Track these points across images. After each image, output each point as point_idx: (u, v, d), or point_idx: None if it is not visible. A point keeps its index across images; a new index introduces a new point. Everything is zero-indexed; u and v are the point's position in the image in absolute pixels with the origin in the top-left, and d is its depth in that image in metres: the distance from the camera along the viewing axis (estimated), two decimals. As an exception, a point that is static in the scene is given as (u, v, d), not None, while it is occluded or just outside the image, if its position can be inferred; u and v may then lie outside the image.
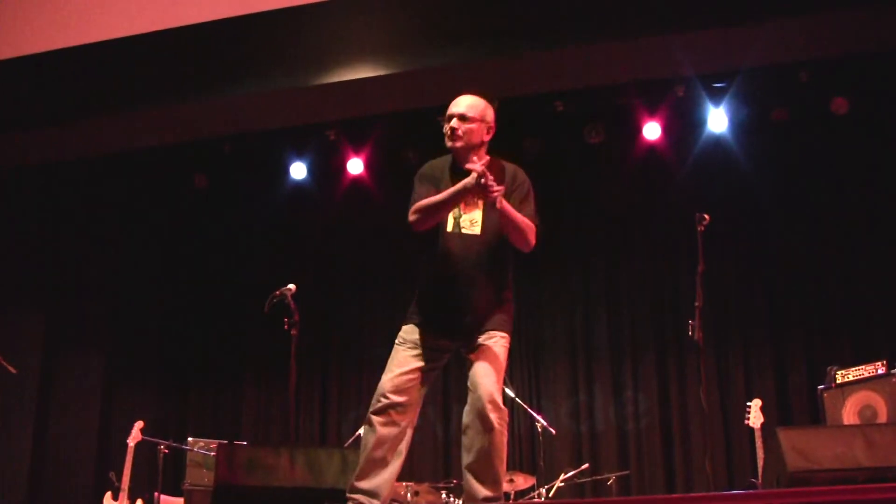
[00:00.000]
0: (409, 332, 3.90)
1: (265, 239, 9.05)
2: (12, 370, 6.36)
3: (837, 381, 5.80)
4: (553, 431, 7.09)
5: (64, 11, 6.90)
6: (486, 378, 3.74)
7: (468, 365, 3.83)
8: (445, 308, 3.85)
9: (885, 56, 6.70)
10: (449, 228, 3.87)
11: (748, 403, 6.16)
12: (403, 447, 3.83)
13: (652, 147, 8.02)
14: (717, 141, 7.87)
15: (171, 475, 7.49)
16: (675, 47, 6.35)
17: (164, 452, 6.84)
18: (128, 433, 7.12)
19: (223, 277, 9.09)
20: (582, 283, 8.39)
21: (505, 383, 6.98)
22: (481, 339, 3.82)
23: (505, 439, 3.75)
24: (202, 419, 8.85)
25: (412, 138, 8.13)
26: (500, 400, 3.76)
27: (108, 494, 7.02)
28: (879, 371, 5.65)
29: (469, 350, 3.85)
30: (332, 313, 8.83)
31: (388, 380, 3.83)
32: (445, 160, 4.02)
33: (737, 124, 7.80)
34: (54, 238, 8.36)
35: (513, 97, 7.46)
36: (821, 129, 7.80)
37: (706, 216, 5.17)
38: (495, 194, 3.65)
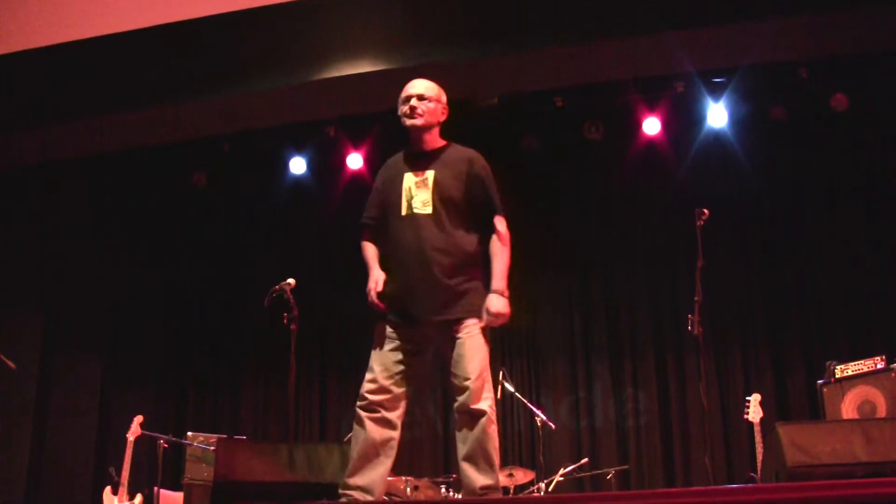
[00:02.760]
0: (382, 327, 3.92)
1: (265, 234, 9.04)
2: (11, 366, 6.36)
3: (836, 376, 5.80)
4: (552, 426, 7.10)
5: (61, 8, 6.89)
6: (470, 368, 3.77)
7: (450, 358, 3.83)
8: (410, 294, 3.86)
9: (884, 54, 6.70)
10: (403, 212, 3.93)
11: (747, 398, 6.17)
12: (395, 442, 3.85)
13: (651, 143, 8.02)
14: (716, 137, 7.87)
15: (171, 470, 7.50)
16: (674, 43, 6.35)
17: (164, 447, 6.84)
18: (126, 428, 7.12)
19: (222, 273, 9.09)
20: (581, 278, 8.39)
21: (504, 378, 7.08)
22: (458, 333, 3.83)
23: (496, 427, 3.78)
24: (201, 414, 8.85)
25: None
26: (487, 388, 3.78)
27: (108, 489, 7.02)
28: (878, 366, 5.65)
29: (447, 342, 3.85)
30: (331, 308, 8.82)
31: (370, 376, 3.85)
32: (399, 156, 4.11)
33: (736, 120, 7.80)
34: (53, 237, 8.36)
35: (512, 93, 7.50)
36: (820, 125, 7.81)
37: (706, 211, 5.18)
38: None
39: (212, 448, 6.32)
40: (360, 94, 6.99)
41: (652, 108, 7.84)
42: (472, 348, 3.81)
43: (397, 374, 3.86)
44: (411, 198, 3.93)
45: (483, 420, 3.73)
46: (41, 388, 8.05)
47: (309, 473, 4.18)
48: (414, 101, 4.00)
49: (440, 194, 3.91)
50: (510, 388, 7.14)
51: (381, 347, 3.89)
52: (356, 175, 8.48)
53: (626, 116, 7.92)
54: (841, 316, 7.64)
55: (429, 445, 8.27)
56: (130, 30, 6.69)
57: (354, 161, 8.36)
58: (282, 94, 6.99)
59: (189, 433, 6.85)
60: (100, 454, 8.25)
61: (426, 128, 4.02)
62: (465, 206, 3.95)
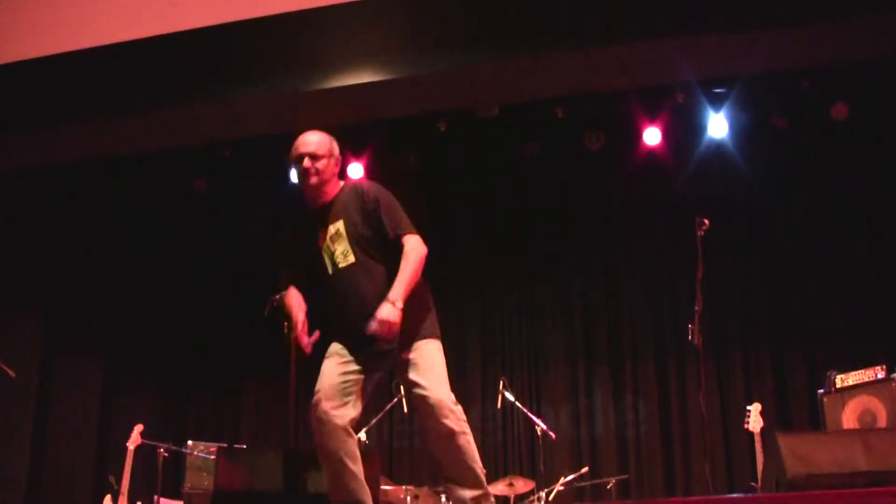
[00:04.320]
0: (332, 347, 3.90)
1: (265, 242, 9.04)
2: (11, 374, 6.36)
3: (837, 386, 5.79)
4: (553, 435, 7.10)
5: (64, 15, 6.90)
6: (429, 384, 3.70)
7: (407, 381, 3.77)
8: (355, 339, 3.80)
9: (884, 63, 6.71)
10: (330, 271, 3.87)
11: (748, 407, 6.17)
12: (354, 448, 3.77)
13: (652, 153, 8.03)
14: (717, 147, 7.88)
15: (171, 478, 7.48)
16: (675, 53, 6.36)
17: (164, 456, 6.84)
18: (127, 437, 7.12)
19: (223, 280, 9.09)
20: (582, 287, 8.40)
21: (505, 387, 7.08)
22: (408, 355, 3.75)
23: (468, 436, 3.71)
24: (202, 423, 8.84)
25: (412, 143, 8.14)
26: (450, 401, 3.71)
27: (108, 497, 7.02)
28: (879, 376, 5.65)
29: (400, 367, 3.78)
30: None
31: (318, 388, 3.78)
32: (303, 215, 4.04)
33: (737, 130, 7.81)
34: (54, 242, 8.37)
35: (513, 103, 7.51)
36: (821, 135, 7.82)
37: (706, 221, 5.19)
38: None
39: (212, 457, 6.32)
40: (361, 103, 7.00)
41: (653, 118, 7.85)
42: (425, 366, 3.73)
43: (345, 383, 3.79)
44: (332, 254, 3.86)
45: (452, 437, 3.67)
46: (42, 392, 8.05)
47: (309, 482, 4.18)
48: (307, 162, 3.92)
49: (355, 240, 3.83)
50: (510, 397, 7.14)
51: (332, 357, 3.85)
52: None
53: (627, 126, 7.93)
54: (842, 325, 7.64)
55: (428, 454, 8.25)
56: (132, 39, 6.71)
57: (355, 170, 8.37)
58: (283, 101, 6.99)
59: (189, 442, 6.84)
60: (100, 459, 8.25)
61: (323, 183, 3.94)
62: (378, 239, 3.85)
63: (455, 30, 6.58)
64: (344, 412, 3.75)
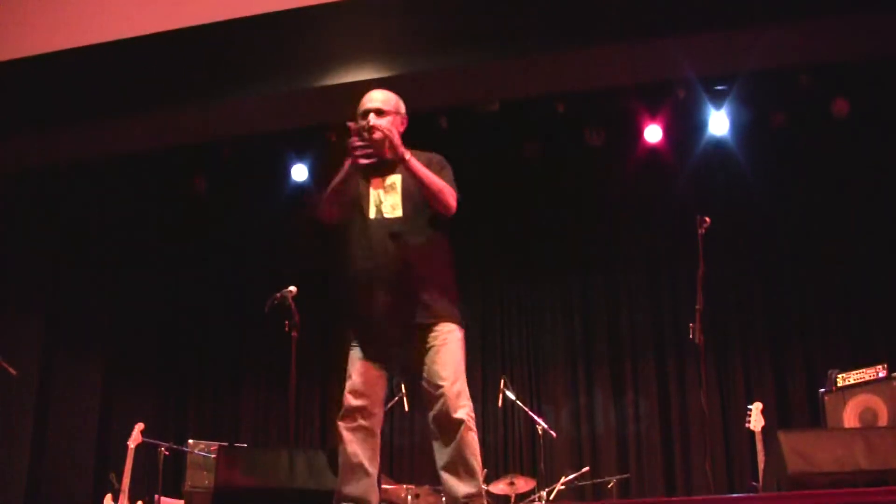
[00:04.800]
0: (353, 345, 3.91)
1: (265, 241, 9.04)
2: (13, 372, 6.36)
3: (838, 385, 5.79)
4: (553, 434, 7.09)
5: (64, 13, 6.89)
6: (449, 374, 3.71)
7: (422, 366, 3.77)
8: (379, 302, 3.77)
9: (885, 59, 6.70)
10: (372, 215, 3.86)
11: (749, 406, 6.15)
12: (377, 450, 3.83)
13: (653, 150, 8.02)
14: (718, 144, 7.87)
15: (172, 477, 7.48)
16: (676, 50, 6.34)
17: (165, 454, 6.84)
18: (127, 435, 7.11)
19: (223, 279, 9.09)
20: (582, 285, 8.39)
21: (506, 386, 7.07)
22: (429, 339, 3.76)
23: (474, 434, 3.72)
24: (202, 421, 8.84)
25: (413, 140, 8.12)
26: (466, 396, 3.73)
27: (109, 496, 7.02)
28: (880, 374, 5.64)
29: (418, 350, 3.78)
30: (332, 315, 8.81)
31: (347, 385, 3.83)
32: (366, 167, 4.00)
33: (738, 127, 7.79)
34: (53, 241, 8.36)
35: (513, 100, 7.50)
36: (821, 131, 7.80)
37: (707, 219, 5.18)
38: (360, 154, 3.73)
39: (213, 455, 6.32)
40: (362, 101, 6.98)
41: (653, 115, 7.83)
42: (446, 354, 3.75)
43: (372, 380, 3.82)
44: (380, 202, 3.87)
45: (461, 429, 3.67)
46: (42, 391, 8.04)
47: (309, 480, 4.18)
48: (372, 118, 3.93)
49: (409, 198, 3.85)
50: (511, 395, 7.13)
51: (358, 353, 3.87)
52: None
53: (628, 123, 7.92)
54: (843, 323, 7.64)
55: (429, 453, 8.21)
56: (131, 36, 6.70)
57: (356, 168, 8.35)
58: (283, 99, 6.98)
59: (190, 440, 6.85)
60: (100, 458, 8.24)
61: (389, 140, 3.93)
62: (432, 210, 3.86)
63: (456, 27, 6.56)
64: (370, 412, 3.81)
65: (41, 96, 7.08)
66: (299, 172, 8.49)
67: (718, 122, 7.69)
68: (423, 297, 3.76)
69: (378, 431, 3.85)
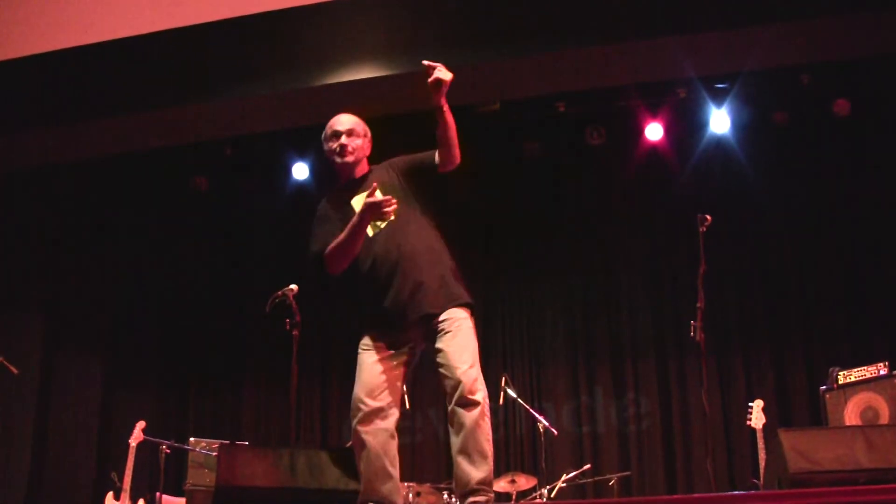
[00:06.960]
0: (366, 340, 3.91)
1: (267, 239, 9.04)
2: (14, 371, 6.37)
3: (839, 383, 5.79)
4: (555, 432, 7.09)
5: (64, 12, 6.89)
6: (461, 359, 3.73)
7: (437, 353, 3.79)
8: (391, 303, 3.83)
9: (886, 58, 6.70)
10: (371, 233, 3.93)
11: (750, 404, 6.16)
12: (396, 450, 3.81)
13: (654, 148, 8.02)
14: (719, 142, 7.87)
15: (173, 475, 7.49)
16: (677, 49, 6.34)
17: (166, 452, 6.84)
18: (128, 433, 7.12)
19: (224, 278, 9.09)
20: (583, 283, 8.39)
21: (507, 384, 7.07)
22: (442, 326, 3.79)
23: (489, 419, 3.73)
24: (203, 420, 8.85)
25: (413, 139, 8.11)
26: (480, 379, 3.74)
27: (110, 494, 7.02)
28: (881, 372, 5.64)
29: (432, 339, 3.81)
30: (333, 314, 8.82)
31: (359, 388, 3.81)
32: (333, 194, 4.13)
33: (739, 126, 7.79)
34: (55, 239, 8.36)
35: (514, 99, 7.50)
36: (823, 130, 7.81)
37: (708, 217, 5.18)
38: (389, 209, 3.78)
39: (214, 453, 6.33)
40: (363, 99, 6.98)
41: (654, 114, 7.84)
42: (460, 339, 3.77)
43: (386, 381, 3.82)
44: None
45: (476, 412, 3.68)
46: (43, 389, 8.05)
47: (310, 479, 4.18)
48: (343, 139, 4.06)
49: (393, 196, 3.88)
50: (512, 393, 7.13)
51: (368, 354, 3.87)
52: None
53: (629, 122, 7.92)
54: (844, 321, 7.64)
55: (430, 451, 8.26)
56: (133, 35, 6.70)
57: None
58: (284, 98, 6.99)
59: (191, 439, 6.86)
60: (101, 456, 8.25)
61: (356, 163, 4.09)
62: (414, 203, 3.98)
63: (456, 27, 6.57)
64: (388, 412, 3.79)
65: (42, 94, 7.09)
66: (300, 171, 8.49)
67: (719, 121, 7.69)
68: (433, 286, 3.84)
69: (395, 432, 3.83)
